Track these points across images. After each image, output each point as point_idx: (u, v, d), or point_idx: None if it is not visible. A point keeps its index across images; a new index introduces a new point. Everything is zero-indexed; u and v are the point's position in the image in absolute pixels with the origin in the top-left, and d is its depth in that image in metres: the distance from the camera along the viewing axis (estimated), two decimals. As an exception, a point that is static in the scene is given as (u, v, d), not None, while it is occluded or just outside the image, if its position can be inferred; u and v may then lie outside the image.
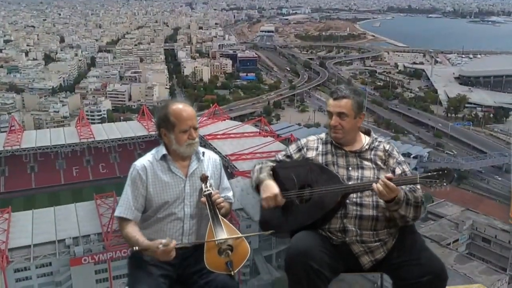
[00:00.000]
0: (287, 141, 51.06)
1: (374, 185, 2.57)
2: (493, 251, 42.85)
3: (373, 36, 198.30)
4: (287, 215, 2.80)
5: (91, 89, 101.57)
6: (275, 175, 2.86)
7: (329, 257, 2.63)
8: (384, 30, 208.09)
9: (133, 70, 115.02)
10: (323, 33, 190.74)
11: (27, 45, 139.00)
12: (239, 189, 38.59)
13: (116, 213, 2.82)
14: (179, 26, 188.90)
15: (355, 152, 2.84)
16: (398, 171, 2.78)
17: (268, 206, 2.75)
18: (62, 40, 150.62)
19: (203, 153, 2.95)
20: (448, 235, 41.10)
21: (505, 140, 78.91)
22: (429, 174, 2.54)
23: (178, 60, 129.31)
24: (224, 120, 62.02)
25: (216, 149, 44.90)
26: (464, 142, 79.19)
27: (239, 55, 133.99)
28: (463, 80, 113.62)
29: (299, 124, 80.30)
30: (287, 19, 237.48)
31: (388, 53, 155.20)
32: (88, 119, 67.99)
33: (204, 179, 2.81)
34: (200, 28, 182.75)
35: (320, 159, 2.86)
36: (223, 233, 2.64)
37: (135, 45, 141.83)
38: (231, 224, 2.73)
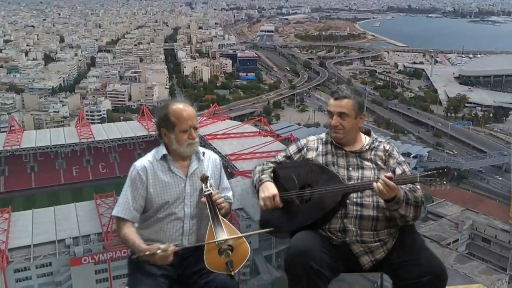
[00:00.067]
0: (287, 141, 51.03)
1: (375, 184, 2.57)
2: (493, 251, 42.83)
3: (373, 36, 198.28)
4: (287, 215, 2.79)
5: (91, 89, 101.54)
6: (276, 175, 2.86)
7: (329, 257, 2.63)
8: (384, 30, 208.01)
9: (133, 70, 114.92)
10: (323, 33, 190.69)
11: (27, 45, 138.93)
12: (239, 189, 38.68)
13: (114, 213, 2.82)
14: (179, 26, 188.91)
15: (356, 152, 2.84)
16: (398, 171, 2.78)
17: (266, 206, 2.75)
18: (62, 40, 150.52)
19: (203, 153, 2.95)
20: (448, 235, 41.09)
21: (505, 140, 78.99)
22: (429, 172, 2.54)
23: (178, 60, 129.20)
24: (224, 120, 62.00)
25: (216, 149, 44.92)
26: (464, 142, 79.19)
27: (239, 55, 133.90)
28: (463, 79, 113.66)
29: (299, 124, 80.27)
30: (287, 19, 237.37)
31: (388, 53, 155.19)
32: (88, 119, 68.04)
33: (204, 179, 2.81)
34: (200, 28, 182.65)
35: (320, 159, 2.85)
36: (224, 233, 2.64)
37: (135, 45, 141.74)
38: (231, 224, 2.73)
